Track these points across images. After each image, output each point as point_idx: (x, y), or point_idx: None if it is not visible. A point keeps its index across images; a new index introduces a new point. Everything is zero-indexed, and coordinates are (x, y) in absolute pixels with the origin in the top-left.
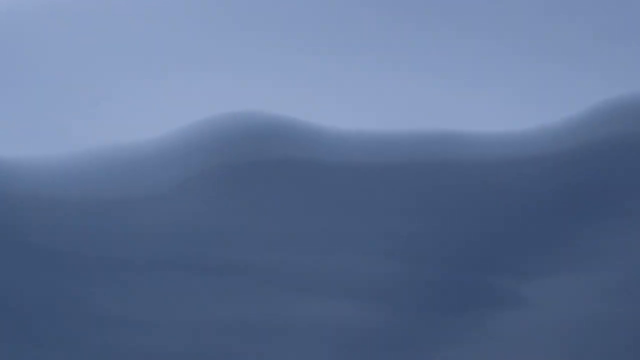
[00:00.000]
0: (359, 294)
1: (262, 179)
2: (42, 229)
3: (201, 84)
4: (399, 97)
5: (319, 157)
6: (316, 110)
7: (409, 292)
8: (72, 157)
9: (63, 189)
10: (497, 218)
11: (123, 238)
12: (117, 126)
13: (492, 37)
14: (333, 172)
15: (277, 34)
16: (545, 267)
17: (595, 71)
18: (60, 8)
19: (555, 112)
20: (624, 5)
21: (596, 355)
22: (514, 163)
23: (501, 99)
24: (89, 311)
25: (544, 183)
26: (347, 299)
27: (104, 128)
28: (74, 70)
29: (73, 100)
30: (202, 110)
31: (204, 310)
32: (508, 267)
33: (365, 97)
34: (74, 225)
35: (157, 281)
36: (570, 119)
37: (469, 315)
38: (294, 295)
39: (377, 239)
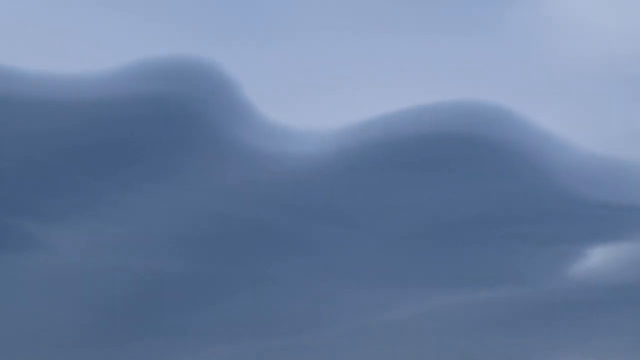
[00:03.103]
0: None
1: None
2: None
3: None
4: None
5: None
6: None
7: None
8: None
9: None
10: (11, 159)
11: None
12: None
13: None
14: None
15: None
16: (64, 213)
17: (155, 23)
18: None
19: (102, 61)
20: None
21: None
22: (49, 104)
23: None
24: None
25: (79, 129)
26: None
27: None
28: None
29: None
30: None
31: None
32: (25, 210)
33: None
34: None
35: None
36: (116, 69)
37: None
38: None
39: None
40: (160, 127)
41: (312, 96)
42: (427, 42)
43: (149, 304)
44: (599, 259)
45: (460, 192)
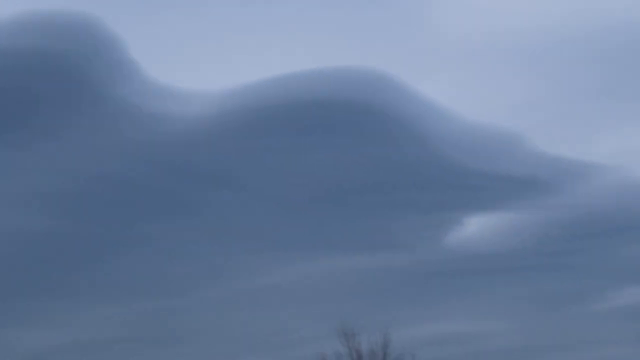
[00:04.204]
0: None
1: None
2: None
3: None
4: None
5: None
6: None
7: None
8: None
9: None
10: None
11: None
12: None
13: None
14: None
15: None
16: None
17: None
18: None
19: None
20: None
21: None
22: None
23: None
24: None
25: None
26: None
27: None
28: None
29: None
30: None
31: None
32: None
33: None
34: None
35: None
36: None
37: None
38: None
39: None
40: (42, 82)
41: (198, 59)
42: (315, 9)
43: (28, 263)
44: (475, 227)
45: (341, 158)
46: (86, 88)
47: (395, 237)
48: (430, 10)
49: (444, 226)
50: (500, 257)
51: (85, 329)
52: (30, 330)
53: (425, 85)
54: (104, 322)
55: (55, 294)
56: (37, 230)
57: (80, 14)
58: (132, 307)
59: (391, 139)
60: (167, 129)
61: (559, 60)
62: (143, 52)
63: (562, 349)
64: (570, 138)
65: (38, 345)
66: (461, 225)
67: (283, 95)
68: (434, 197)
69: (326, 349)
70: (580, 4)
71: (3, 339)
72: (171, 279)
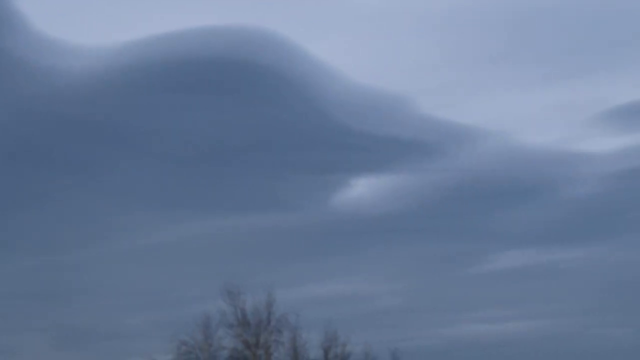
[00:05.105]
0: None
1: None
2: None
3: None
4: None
5: None
6: None
7: None
8: None
9: None
10: None
11: None
12: None
13: None
14: None
15: None
16: None
17: None
18: None
19: None
20: None
21: None
22: None
23: None
24: None
25: None
26: None
27: None
28: None
29: None
30: None
31: None
32: None
33: None
34: None
35: None
36: None
37: None
38: None
39: None
40: None
41: (89, 13)
42: None
43: None
44: (361, 189)
45: (229, 117)
46: None
47: (282, 197)
48: None
49: (331, 187)
50: (386, 218)
51: None
52: None
53: (318, 46)
54: None
55: None
56: None
57: None
58: (21, 264)
59: (280, 99)
60: (54, 83)
61: (456, 26)
62: (30, 4)
63: (443, 310)
64: (458, 103)
65: None
66: (348, 186)
67: (172, 53)
68: (321, 158)
69: (211, 308)
70: None
71: None
72: (60, 235)
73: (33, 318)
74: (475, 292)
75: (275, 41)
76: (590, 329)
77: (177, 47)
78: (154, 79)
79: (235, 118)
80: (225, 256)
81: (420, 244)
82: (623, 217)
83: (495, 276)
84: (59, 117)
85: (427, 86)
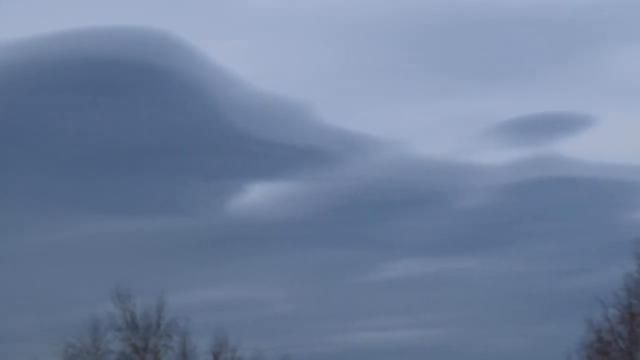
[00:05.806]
0: None
1: None
2: None
3: None
4: None
5: None
6: None
7: None
8: None
9: None
10: None
11: None
12: None
13: None
14: None
15: None
16: None
17: None
18: None
19: None
20: None
21: None
22: None
23: None
24: None
25: None
26: None
27: None
28: None
29: None
30: None
31: None
32: None
33: None
34: None
35: None
36: None
37: None
38: None
39: None
40: None
41: None
42: None
43: None
44: (256, 195)
45: (123, 119)
46: None
47: (177, 201)
48: None
49: (226, 192)
50: (280, 225)
51: None
52: None
53: (218, 50)
54: None
55: None
56: None
57: None
58: None
59: (176, 102)
60: None
61: (359, 36)
62: None
63: (334, 317)
64: (356, 112)
65: None
66: (243, 192)
67: (66, 52)
68: (217, 163)
69: (100, 311)
70: None
71: None
72: None
73: None
74: (367, 300)
75: (174, 44)
76: (480, 339)
77: (72, 47)
78: (47, 78)
79: (131, 120)
80: (118, 258)
81: (313, 251)
82: (512, 228)
83: (387, 285)
84: None
85: (327, 94)
